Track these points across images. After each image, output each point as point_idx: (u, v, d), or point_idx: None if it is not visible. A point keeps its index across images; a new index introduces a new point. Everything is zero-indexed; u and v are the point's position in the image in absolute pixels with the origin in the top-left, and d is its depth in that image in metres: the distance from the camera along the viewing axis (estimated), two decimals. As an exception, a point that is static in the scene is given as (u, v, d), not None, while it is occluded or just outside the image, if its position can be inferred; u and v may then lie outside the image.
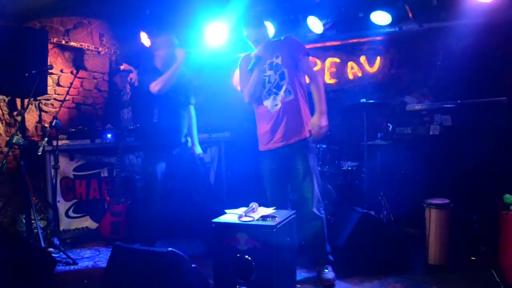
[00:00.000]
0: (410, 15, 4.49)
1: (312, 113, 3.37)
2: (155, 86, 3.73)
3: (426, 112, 4.22)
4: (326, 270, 3.30)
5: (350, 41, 5.27)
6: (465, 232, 3.77)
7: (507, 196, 3.22)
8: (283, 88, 3.34)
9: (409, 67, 5.07)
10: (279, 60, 3.39)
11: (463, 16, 4.31)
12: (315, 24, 4.85)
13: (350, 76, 5.35)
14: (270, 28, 5.09)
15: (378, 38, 5.04)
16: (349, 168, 4.58)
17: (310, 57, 5.43)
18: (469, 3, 4.13)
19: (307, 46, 5.41)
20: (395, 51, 5.16)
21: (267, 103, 3.40)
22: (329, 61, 5.45)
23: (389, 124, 4.55)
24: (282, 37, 3.50)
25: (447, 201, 3.53)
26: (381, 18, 4.61)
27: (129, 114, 5.22)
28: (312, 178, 3.32)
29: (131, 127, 4.91)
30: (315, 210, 3.32)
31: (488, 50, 4.31)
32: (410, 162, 4.42)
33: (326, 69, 5.48)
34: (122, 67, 5.36)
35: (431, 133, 4.08)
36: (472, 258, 3.59)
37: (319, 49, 5.48)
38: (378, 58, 5.21)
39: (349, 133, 5.05)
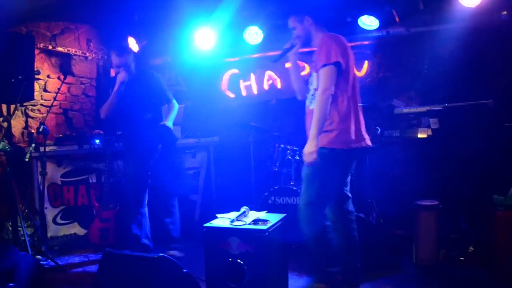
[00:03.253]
0: (397, 19, 4.56)
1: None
2: (101, 114, 4.07)
3: (414, 115, 4.26)
4: None
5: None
6: (454, 232, 3.82)
7: (495, 196, 3.27)
8: (310, 93, 3.10)
9: (397, 71, 5.12)
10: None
11: (449, 20, 4.38)
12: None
13: (339, 80, 5.38)
14: (259, 33, 5.12)
15: (366, 42, 5.08)
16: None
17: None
18: (454, 7, 4.19)
19: (295, 51, 5.52)
20: (382, 55, 5.21)
21: (309, 104, 3.11)
22: (317, 65, 5.48)
23: (377, 128, 4.58)
24: None
25: (435, 202, 3.58)
26: (368, 22, 4.66)
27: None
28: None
29: (119, 133, 4.87)
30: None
31: (474, 54, 4.39)
32: (399, 164, 4.47)
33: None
34: (113, 74, 5.32)
35: (419, 136, 4.11)
36: (461, 258, 3.64)
37: (307, 53, 5.45)
38: (366, 62, 5.25)
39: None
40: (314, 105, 2.89)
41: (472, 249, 3.65)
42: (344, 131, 2.92)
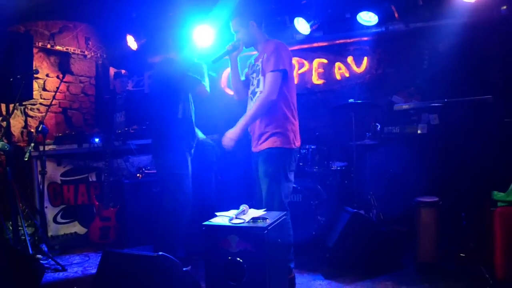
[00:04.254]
0: (396, 15, 4.54)
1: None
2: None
3: (413, 111, 4.25)
4: None
5: (337, 41, 5.28)
6: (454, 229, 3.81)
7: (495, 192, 3.26)
8: (257, 95, 3.22)
9: (396, 67, 5.11)
10: (260, 67, 3.24)
11: (448, 16, 4.36)
12: (302, 26, 4.87)
13: (338, 77, 5.37)
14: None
15: (365, 38, 5.06)
16: (338, 168, 4.59)
17: (298, 58, 5.52)
18: (453, 3, 4.18)
19: (294, 47, 5.51)
20: (382, 51, 5.20)
21: (249, 105, 3.33)
22: (316, 62, 5.47)
23: (377, 124, 4.57)
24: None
25: (436, 199, 3.56)
26: (367, 18, 4.65)
27: (122, 118, 5.17)
28: (265, 185, 3.21)
29: (119, 131, 4.88)
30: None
31: (473, 49, 4.37)
32: (399, 161, 4.45)
33: (313, 70, 5.49)
34: (123, 72, 5.31)
35: (419, 132, 4.10)
36: (462, 254, 3.63)
37: (306, 50, 5.50)
38: (365, 58, 5.24)
39: (338, 134, 5.08)
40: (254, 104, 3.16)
41: (473, 245, 3.65)
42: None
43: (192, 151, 3.90)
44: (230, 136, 3.13)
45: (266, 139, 3.20)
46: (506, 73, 4.26)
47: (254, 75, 3.29)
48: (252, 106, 3.18)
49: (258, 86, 3.22)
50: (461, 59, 4.35)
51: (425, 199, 3.58)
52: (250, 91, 3.33)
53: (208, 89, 3.84)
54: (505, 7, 4.20)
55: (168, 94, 3.77)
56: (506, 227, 3.09)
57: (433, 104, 3.95)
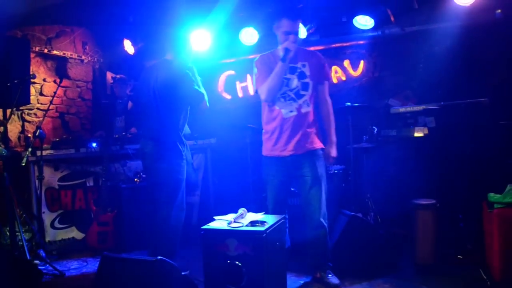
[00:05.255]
0: (392, 19, 4.57)
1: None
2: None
3: (410, 114, 4.27)
4: (329, 275, 3.31)
5: (334, 45, 5.31)
6: (451, 231, 3.83)
7: (491, 194, 3.28)
8: (303, 99, 3.31)
9: (392, 70, 5.14)
10: (306, 70, 3.34)
11: (443, 19, 4.40)
12: (298, 29, 4.88)
13: (335, 80, 5.39)
14: (254, 34, 5.12)
15: (361, 42, 5.10)
16: (336, 171, 4.60)
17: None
18: (449, 6, 4.21)
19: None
20: (378, 54, 5.22)
21: (281, 106, 3.32)
22: (313, 65, 5.49)
23: (374, 127, 4.59)
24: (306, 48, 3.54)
25: (433, 201, 3.58)
26: (363, 22, 4.68)
27: (122, 123, 5.16)
28: (320, 187, 3.33)
29: (117, 136, 4.87)
30: (321, 219, 3.35)
31: (469, 52, 4.40)
32: (396, 164, 4.47)
33: (310, 73, 5.51)
34: (118, 76, 5.30)
35: (415, 134, 4.13)
36: (459, 256, 3.65)
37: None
38: (362, 62, 5.26)
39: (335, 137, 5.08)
40: (307, 110, 3.30)
41: (470, 247, 3.66)
42: None
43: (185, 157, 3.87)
44: (335, 155, 3.38)
45: (312, 139, 3.34)
46: (502, 76, 4.30)
47: (293, 76, 3.31)
48: (326, 122, 3.43)
49: (305, 89, 3.31)
50: (457, 62, 4.38)
51: (423, 201, 3.60)
52: (280, 92, 3.30)
53: (207, 103, 3.84)
54: (499, 10, 4.24)
55: (173, 104, 3.74)
56: (503, 229, 3.10)
57: (429, 107, 3.98)
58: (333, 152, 3.37)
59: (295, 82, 3.30)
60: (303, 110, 3.30)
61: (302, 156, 3.31)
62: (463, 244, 3.70)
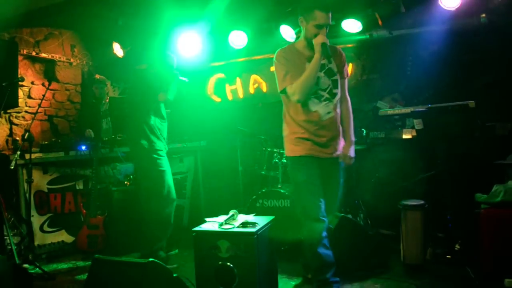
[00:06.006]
0: (380, 22, 4.62)
1: None
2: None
3: (398, 117, 4.33)
4: None
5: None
6: (440, 231, 3.89)
7: (478, 195, 3.35)
8: (337, 97, 3.10)
9: (381, 73, 5.20)
10: (333, 66, 3.11)
11: (430, 23, 4.47)
12: (288, 33, 4.93)
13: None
14: (244, 37, 5.15)
15: (350, 45, 5.15)
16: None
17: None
18: (435, 10, 4.27)
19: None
20: (366, 57, 5.28)
21: (317, 107, 3.04)
22: (302, 68, 5.52)
23: (363, 129, 4.63)
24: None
25: (421, 202, 3.64)
26: (352, 26, 4.73)
27: (108, 124, 5.15)
28: (338, 194, 3.26)
29: (106, 138, 4.85)
30: (330, 225, 3.23)
31: (455, 55, 4.47)
32: (385, 165, 4.52)
33: (299, 76, 5.54)
34: (97, 76, 5.28)
35: (404, 136, 4.18)
36: (448, 256, 3.70)
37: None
38: (350, 64, 5.32)
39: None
40: (339, 109, 3.16)
41: (459, 247, 3.72)
42: None
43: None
44: (352, 154, 3.18)
45: (341, 141, 3.21)
46: (487, 78, 4.38)
47: (321, 74, 3.05)
48: (346, 121, 3.23)
49: (336, 87, 3.10)
50: (444, 65, 4.45)
51: (411, 202, 3.65)
52: (315, 91, 3.03)
53: (168, 96, 4.11)
54: (484, 15, 4.32)
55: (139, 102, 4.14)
56: (490, 228, 3.17)
57: (417, 109, 4.03)
58: (352, 152, 3.17)
59: (325, 81, 3.06)
60: (339, 110, 3.15)
61: (334, 160, 3.15)
62: (451, 244, 3.76)
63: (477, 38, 4.39)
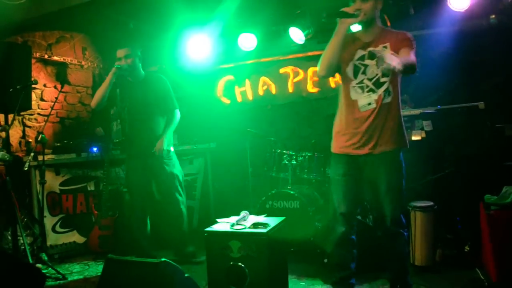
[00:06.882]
0: (389, 23, 4.62)
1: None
2: (91, 104, 4.09)
3: (407, 118, 4.33)
4: None
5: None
6: (449, 233, 3.89)
7: (488, 196, 3.35)
8: (384, 87, 2.79)
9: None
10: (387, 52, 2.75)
11: (439, 25, 4.48)
12: (296, 35, 4.96)
13: (332, 85, 5.45)
14: (253, 39, 5.19)
15: (359, 47, 5.15)
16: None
17: (293, 67, 5.60)
18: (444, 12, 4.29)
19: (289, 56, 5.59)
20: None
21: (358, 97, 2.84)
22: (311, 70, 5.54)
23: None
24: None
25: (431, 203, 3.65)
26: (360, 27, 4.73)
27: (118, 127, 5.21)
28: (393, 194, 2.87)
29: (117, 140, 4.91)
30: (393, 227, 2.92)
31: (464, 57, 4.47)
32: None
33: (308, 78, 5.57)
34: None
35: (413, 138, 4.19)
36: (458, 257, 3.70)
37: (301, 59, 5.59)
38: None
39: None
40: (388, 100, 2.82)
41: (468, 248, 3.72)
42: None
43: None
44: None
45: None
46: (496, 80, 4.38)
47: (371, 62, 2.82)
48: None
49: (385, 75, 2.79)
50: (453, 66, 4.45)
51: (421, 203, 3.66)
52: (356, 81, 2.86)
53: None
54: (493, 16, 4.33)
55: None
56: (499, 230, 3.17)
57: (426, 111, 4.05)
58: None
59: (373, 69, 2.81)
60: (385, 101, 2.80)
61: (377, 157, 2.85)
62: (461, 246, 3.76)
63: (487, 39, 4.39)
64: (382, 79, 2.79)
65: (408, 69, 2.65)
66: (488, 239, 3.26)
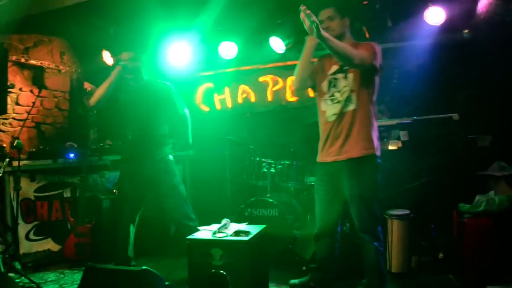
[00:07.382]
0: (367, 35, 4.74)
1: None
2: (90, 101, 3.80)
3: (384, 128, 4.43)
4: None
5: (312, 60, 5.44)
6: (424, 240, 3.99)
7: (462, 205, 3.46)
8: (345, 95, 2.98)
9: (366, 85, 5.30)
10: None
11: (415, 37, 4.62)
12: (277, 44, 5.01)
13: (311, 94, 5.52)
14: (234, 48, 5.22)
15: (337, 57, 5.24)
16: (313, 183, 4.70)
17: (272, 76, 5.65)
18: (420, 25, 4.41)
19: (269, 65, 5.66)
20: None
21: (326, 108, 3.08)
22: (290, 79, 5.61)
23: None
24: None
25: (407, 211, 3.74)
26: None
27: (95, 135, 5.13)
28: (360, 202, 2.99)
29: (94, 147, 4.85)
30: (362, 235, 3.05)
31: (439, 69, 4.62)
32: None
33: (287, 87, 5.64)
34: (88, 88, 5.27)
35: (389, 148, 4.28)
36: (432, 264, 3.80)
37: (280, 68, 5.66)
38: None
39: (312, 150, 5.18)
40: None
41: (442, 255, 3.82)
42: None
43: None
44: None
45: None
46: (470, 92, 4.53)
47: (341, 76, 3.05)
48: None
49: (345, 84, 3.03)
50: (429, 78, 4.58)
51: (397, 212, 3.75)
52: (328, 95, 3.08)
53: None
54: (467, 31, 4.50)
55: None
56: (473, 237, 3.28)
57: (402, 121, 4.15)
58: None
59: (342, 81, 3.04)
60: (345, 110, 2.99)
61: (342, 164, 3.00)
62: (435, 253, 3.86)
63: (461, 52, 4.55)
64: (345, 88, 2.99)
65: (342, 53, 2.80)
66: (461, 245, 3.37)
